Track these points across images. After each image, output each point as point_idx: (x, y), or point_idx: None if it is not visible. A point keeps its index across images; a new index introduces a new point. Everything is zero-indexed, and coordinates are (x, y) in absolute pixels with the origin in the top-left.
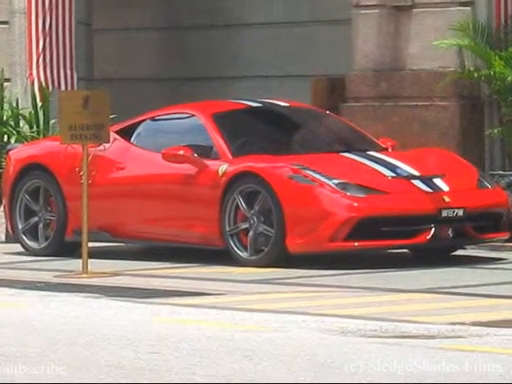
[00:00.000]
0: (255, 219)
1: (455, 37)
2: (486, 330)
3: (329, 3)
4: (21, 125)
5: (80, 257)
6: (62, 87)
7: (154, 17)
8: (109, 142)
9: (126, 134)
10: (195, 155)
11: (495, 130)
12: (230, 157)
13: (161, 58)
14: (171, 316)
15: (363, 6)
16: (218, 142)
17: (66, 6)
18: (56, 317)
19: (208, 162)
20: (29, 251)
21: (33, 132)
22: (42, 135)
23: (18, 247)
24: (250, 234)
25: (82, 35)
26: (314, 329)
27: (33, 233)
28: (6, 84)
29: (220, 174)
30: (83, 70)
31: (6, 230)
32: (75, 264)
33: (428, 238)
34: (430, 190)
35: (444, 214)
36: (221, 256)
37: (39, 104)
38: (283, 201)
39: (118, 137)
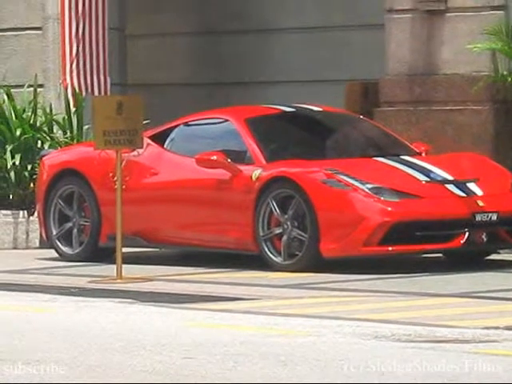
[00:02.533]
0: (289, 224)
1: (488, 41)
2: None
3: (362, 8)
4: (54, 130)
5: (114, 262)
6: (96, 93)
7: (187, 22)
8: (142, 148)
9: (160, 139)
10: (229, 160)
11: None
12: (264, 162)
13: (194, 63)
14: (205, 321)
15: (396, 10)
16: (252, 146)
17: (100, 11)
18: (90, 322)
19: (242, 167)
20: (63, 257)
21: (66, 138)
22: (75, 141)
23: (52, 253)
24: (284, 238)
25: (116, 41)
26: (348, 333)
27: (67, 238)
28: (39, 90)
29: (254, 178)
30: (117, 76)
31: (40, 236)
32: (109, 269)
33: (462, 242)
34: (463, 194)
35: (478, 218)
36: (255, 261)
37: (73, 110)
38: (317, 205)
39: (151, 142)
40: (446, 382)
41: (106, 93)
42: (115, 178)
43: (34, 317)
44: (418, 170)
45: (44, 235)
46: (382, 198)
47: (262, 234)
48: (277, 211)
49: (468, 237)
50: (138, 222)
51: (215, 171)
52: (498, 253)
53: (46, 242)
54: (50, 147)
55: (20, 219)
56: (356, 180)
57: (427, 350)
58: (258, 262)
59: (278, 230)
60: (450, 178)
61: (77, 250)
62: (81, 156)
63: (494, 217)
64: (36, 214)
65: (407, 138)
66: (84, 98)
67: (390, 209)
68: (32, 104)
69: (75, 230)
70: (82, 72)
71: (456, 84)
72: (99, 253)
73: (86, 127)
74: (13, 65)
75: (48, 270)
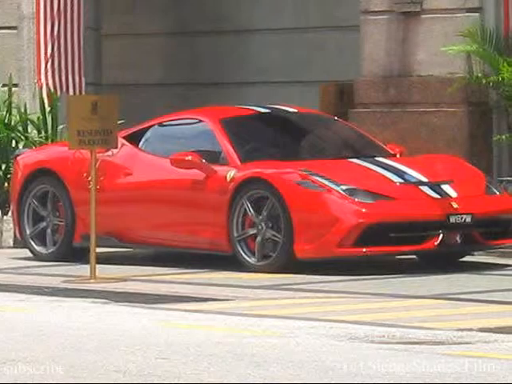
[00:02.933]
0: (263, 225)
1: (463, 43)
2: (493, 336)
3: (338, 9)
4: (29, 130)
5: (88, 262)
6: (71, 92)
7: (163, 22)
8: (117, 148)
9: (135, 139)
10: (203, 161)
11: (503, 136)
12: (238, 162)
13: (169, 63)
14: (179, 322)
15: (372, 12)
16: (227, 147)
17: (75, 11)
18: (64, 322)
19: (216, 168)
20: (37, 256)
21: (41, 137)
22: (50, 140)
23: (26, 252)
24: (258, 239)
25: (91, 40)
26: (322, 335)
27: (41, 238)
28: (14, 89)
29: (228, 179)
30: (92, 76)
31: (14, 235)
32: (83, 269)
33: (436, 244)
34: (438, 196)
35: (452, 220)
36: (229, 261)
37: (47, 109)
38: (291, 206)
39: (126, 142)
40: (420, 383)
41: (80, 92)
42: (89, 178)
43: (7, 316)
44: (392, 172)
45: (18, 235)
46: (357, 200)
47: (236, 234)
48: (251, 212)
49: (442, 238)
50: (112, 222)
51: (190, 171)
52: (472, 255)
53: (20, 242)
54: (24, 147)
55: None
56: (330, 181)
57: (401, 351)
58: (232, 263)
59: (252, 231)
60: (425, 179)
61: (51, 250)
62: (55, 156)
63: (468, 219)
64: (10, 213)
65: (382, 140)
66: (59, 97)
67: (364, 210)
68: (7, 103)
69: (49, 230)
70: (56, 72)
71: (431, 86)
72: (73, 253)
73: (60, 127)
74: None
75: (22, 269)
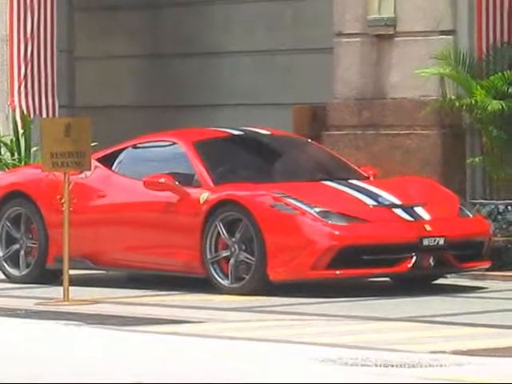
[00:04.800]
0: (236, 247)
1: (437, 65)
2: (466, 358)
3: (310, 31)
4: (2, 152)
5: (61, 284)
6: (44, 115)
7: (136, 45)
8: (90, 170)
9: (108, 161)
10: (176, 183)
11: (476, 159)
12: (212, 185)
13: (142, 85)
14: (152, 344)
15: (345, 34)
16: (200, 169)
17: (48, 34)
18: (37, 345)
19: (189, 190)
20: (10, 278)
21: (14, 159)
22: (23, 163)
23: None
24: (231, 261)
25: (64, 63)
26: (295, 357)
27: (14, 260)
28: None
29: (201, 201)
30: (65, 98)
31: None
32: (56, 291)
33: (409, 266)
34: (411, 218)
35: (425, 242)
36: (202, 284)
37: (20, 131)
38: (264, 229)
39: (99, 164)
40: None
41: (54, 115)
42: (63, 200)
43: None
44: (365, 194)
45: None
46: (330, 222)
47: (209, 256)
48: (224, 234)
49: (415, 261)
50: (86, 244)
51: (163, 194)
52: (445, 277)
53: None
54: None
55: None
56: (304, 204)
57: (374, 374)
58: (206, 285)
59: (225, 253)
60: (398, 202)
61: (24, 272)
62: (28, 178)
63: (442, 241)
64: None
65: (355, 162)
66: (32, 119)
67: (337, 233)
68: None
69: (22, 252)
70: (30, 94)
71: (404, 108)
72: (46, 275)
73: (33, 149)
74: None
75: None
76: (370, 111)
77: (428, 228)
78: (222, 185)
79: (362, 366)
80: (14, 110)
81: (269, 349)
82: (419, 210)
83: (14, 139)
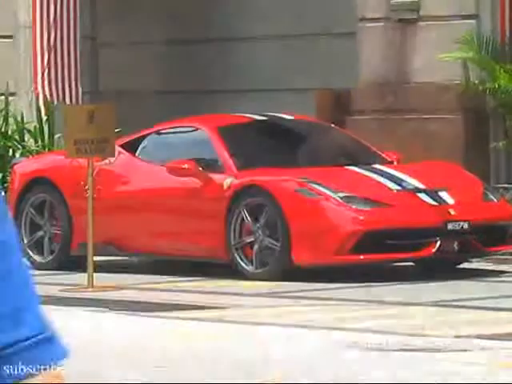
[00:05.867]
0: (260, 232)
1: (460, 50)
2: (491, 342)
3: (334, 16)
4: (26, 139)
5: (85, 271)
6: (67, 101)
7: (159, 30)
8: (114, 156)
9: (132, 147)
10: (200, 169)
11: (500, 143)
12: (235, 170)
13: (166, 71)
14: (177, 329)
15: (369, 19)
16: (223, 155)
17: (71, 20)
18: (61, 331)
19: (213, 176)
20: (34, 265)
21: (38, 146)
22: (47, 149)
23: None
24: (256, 247)
25: (87, 49)
26: (319, 342)
27: (38, 247)
28: (10, 98)
29: (225, 187)
30: (88, 84)
31: None
32: (81, 278)
33: (433, 251)
34: (435, 203)
35: (449, 226)
36: (226, 269)
37: (44, 118)
38: (288, 214)
39: (123, 151)
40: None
41: (77, 101)
42: (86, 187)
43: None
44: (389, 179)
45: None
46: (354, 207)
47: (233, 242)
48: (248, 220)
49: (439, 245)
50: (109, 230)
51: (187, 179)
52: (470, 261)
53: None
54: (21, 155)
55: None
56: (328, 189)
57: (399, 358)
58: (230, 271)
59: (249, 239)
60: (422, 186)
61: (48, 259)
62: (52, 165)
63: (466, 225)
64: None
65: (379, 147)
66: (55, 106)
67: (361, 217)
68: (3, 112)
69: (46, 239)
70: (53, 80)
71: (427, 93)
72: (70, 261)
73: (57, 136)
74: None
75: None
76: (394, 96)
77: (452, 212)
78: (246, 170)
79: (387, 350)
80: (37, 97)
81: (293, 334)
82: (443, 195)
83: (38, 126)
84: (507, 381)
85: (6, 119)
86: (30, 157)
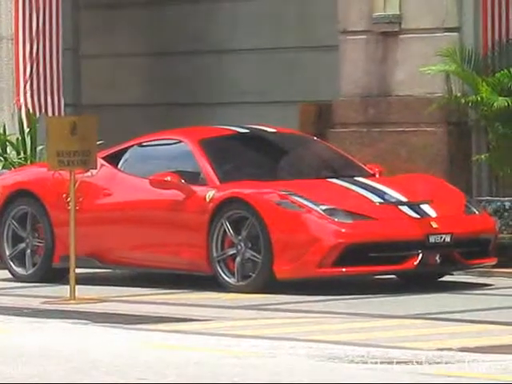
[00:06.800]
0: (242, 245)
1: (442, 63)
2: (473, 355)
3: (316, 29)
4: (8, 151)
5: (67, 283)
6: (50, 113)
7: (142, 42)
8: (96, 168)
9: (114, 160)
10: (182, 181)
11: (482, 156)
12: (218, 183)
13: (148, 83)
14: (159, 342)
15: (350, 32)
16: (206, 167)
17: (54, 32)
18: (43, 343)
19: (195, 188)
20: (16, 277)
21: (20, 158)
22: (29, 161)
23: (5, 273)
24: (238, 259)
25: (70, 61)
26: (302, 355)
27: (20, 259)
28: None
29: (207, 199)
30: (70, 96)
31: None
32: (63, 290)
33: (415, 263)
34: (417, 215)
35: (431, 239)
36: (208, 282)
37: (26, 130)
38: (270, 227)
39: (105, 163)
40: None
41: (59, 113)
42: (69, 199)
43: None
44: (371, 192)
45: None
46: (336, 220)
47: (215, 255)
48: (230, 232)
49: (422, 258)
50: (92, 242)
51: (169, 192)
52: (452, 274)
53: (0, 263)
54: (3, 168)
55: None
56: (310, 201)
57: (380, 371)
58: (212, 283)
59: (231, 251)
60: (404, 199)
61: (30, 271)
62: (34, 177)
63: (448, 238)
64: None
65: (361, 160)
66: (37, 118)
67: (343, 230)
68: None
69: (29, 251)
70: (35, 92)
71: (410, 106)
72: (53, 274)
73: (39, 148)
74: None
75: (1, 290)
76: (376, 109)
77: (434, 225)
78: (228, 183)
79: (369, 363)
80: (19, 109)
81: (275, 347)
82: (425, 208)
83: (20, 138)
84: None
85: None
86: (12, 169)
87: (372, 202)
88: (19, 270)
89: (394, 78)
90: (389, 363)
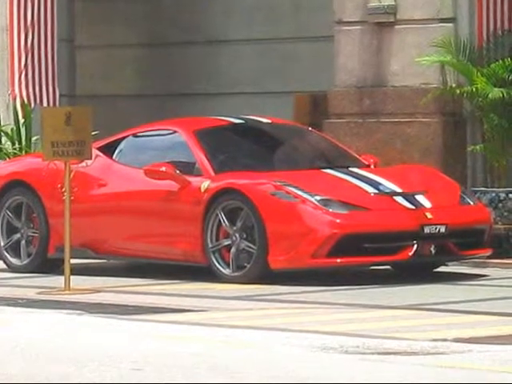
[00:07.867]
0: (237, 236)
1: (437, 53)
2: (467, 346)
3: (311, 20)
4: (3, 141)
5: (62, 273)
6: (44, 104)
7: (137, 33)
8: (91, 159)
9: (109, 150)
10: (177, 172)
11: (477, 147)
12: (213, 173)
13: (143, 74)
14: (154, 333)
15: (345, 22)
16: (201, 158)
17: (49, 22)
18: (38, 333)
19: (190, 179)
20: (11, 268)
21: (15, 149)
22: (24, 152)
23: (0, 264)
24: (233, 250)
25: (65, 52)
26: (296, 345)
27: (15, 249)
28: None
29: (202, 190)
30: (65, 87)
31: None
32: (58, 281)
33: (410, 254)
34: (412, 206)
35: (426, 230)
36: (203, 272)
37: (21, 120)
38: (265, 217)
39: (100, 153)
40: None
41: (54, 104)
42: (63, 190)
43: None
44: (366, 182)
45: None
46: (331, 210)
47: (210, 245)
48: (225, 223)
49: (416, 249)
50: (87, 233)
51: (164, 183)
52: (446, 265)
53: None
54: None
55: None
56: (304, 192)
57: (375, 361)
58: (207, 274)
59: (226, 242)
60: (399, 190)
61: (25, 262)
62: (29, 167)
63: (443, 229)
64: None
65: (356, 150)
66: (32, 109)
67: (338, 221)
68: None
69: (23, 242)
70: (30, 83)
71: (405, 96)
72: (47, 264)
73: (34, 138)
74: None
75: None
76: (371, 99)
77: (429, 216)
78: (223, 173)
79: (363, 353)
80: (14, 100)
81: (270, 337)
82: (420, 198)
83: (15, 128)
84: None
85: None
86: (7, 159)
87: (367, 192)
88: (14, 261)
89: (389, 69)
90: (383, 354)
